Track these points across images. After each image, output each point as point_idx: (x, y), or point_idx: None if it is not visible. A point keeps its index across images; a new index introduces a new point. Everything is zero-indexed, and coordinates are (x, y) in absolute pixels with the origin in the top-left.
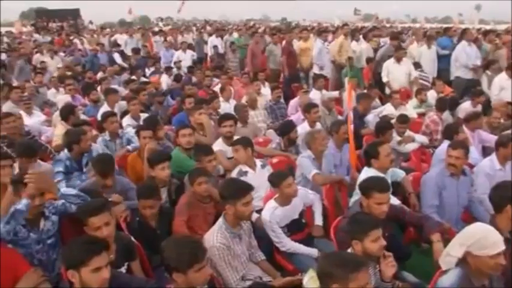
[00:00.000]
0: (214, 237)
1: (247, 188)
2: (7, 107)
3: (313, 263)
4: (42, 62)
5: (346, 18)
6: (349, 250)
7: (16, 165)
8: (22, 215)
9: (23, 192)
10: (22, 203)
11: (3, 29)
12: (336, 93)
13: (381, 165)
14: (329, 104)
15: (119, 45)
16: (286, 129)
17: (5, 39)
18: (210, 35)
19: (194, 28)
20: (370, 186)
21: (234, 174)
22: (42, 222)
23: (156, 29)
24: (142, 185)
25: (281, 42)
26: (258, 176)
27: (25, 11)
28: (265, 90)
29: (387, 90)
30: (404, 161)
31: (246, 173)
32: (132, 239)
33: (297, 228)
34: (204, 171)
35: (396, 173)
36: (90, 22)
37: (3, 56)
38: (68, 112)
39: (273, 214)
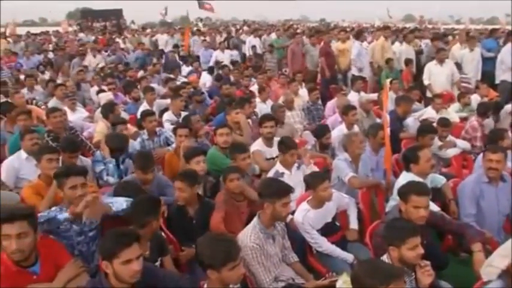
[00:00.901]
0: (248, 237)
1: (288, 189)
2: (53, 103)
3: (347, 267)
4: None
5: (387, 18)
6: (385, 256)
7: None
8: (56, 224)
9: (65, 186)
10: (63, 216)
11: (51, 29)
12: (374, 96)
13: (421, 170)
14: (367, 106)
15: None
16: (320, 133)
17: (53, 38)
18: (248, 35)
19: (233, 29)
20: (408, 190)
21: (270, 174)
22: (84, 216)
23: (195, 29)
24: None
25: (319, 43)
26: (293, 177)
27: (71, 11)
28: (303, 91)
29: (429, 93)
30: (445, 167)
31: (282, 174)
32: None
33: (330, 231)
34: (237, 168)
35: (436, 179)
36: (132, 22)
37: (51, 55)
38: (108, 110)
39: (305, 216)
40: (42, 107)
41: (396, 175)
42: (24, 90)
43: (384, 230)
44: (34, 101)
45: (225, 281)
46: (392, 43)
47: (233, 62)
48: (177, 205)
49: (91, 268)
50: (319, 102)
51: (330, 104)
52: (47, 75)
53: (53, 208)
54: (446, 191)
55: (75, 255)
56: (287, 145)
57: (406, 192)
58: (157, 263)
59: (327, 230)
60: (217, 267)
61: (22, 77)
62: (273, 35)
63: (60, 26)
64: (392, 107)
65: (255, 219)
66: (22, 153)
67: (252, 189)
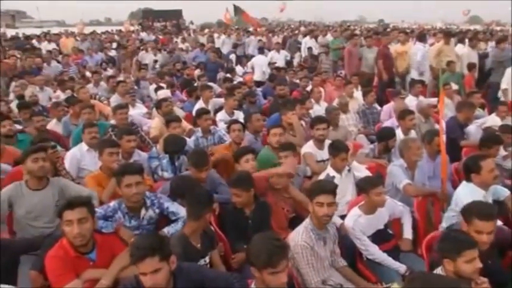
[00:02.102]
0: (300, 235)
1: (323, 189)
2: (115, 99)
3: (398, 277)
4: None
5: (449, 19)
6: (439, 269)
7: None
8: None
9: (122, 184)
10: (119, 215)
11: (115, 28)
12: (434, 100)
13: (483, 181)
14: (427, 111)
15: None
16: (385, 135)
17: (116, 37)
18: (304, 36)
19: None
20: (471, 212)
21: (321, 178)
22: (143, 211)
23: (251, 29)
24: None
25: (377, 45)
26: (344, 181)
27: (134, 11)
28: (358, 94)
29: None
30: (508, 178)
31: (333, 177)
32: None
33: (382, 239)
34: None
35: (499, 191)
36: (191, 22)
37: (113, 53)
38: (158, 106)
39: (356, 222)
40: (105, 102)
41: (456, 184)
42: (90, 86)
43: (440, 241)
44: (97, 96)
45: (266, 283)
46: (463, 44)
47: (288, 63)
48: (233, 205)
49: None
50: (376, 105)
51: (387, 107)
52: (109, 72)
53: (112, 203)
54: (509, 205)
55: None
56: (338, 148)
57: (469, 214)
58: (208, 257)
59: (378, 238)
60: (259, 268)
61: (87, 73)
62: (329, 36)
63: (123, 25)
64: (453, 113)
65: (308, 219)
66: (83, 145)
67: (298, 191)
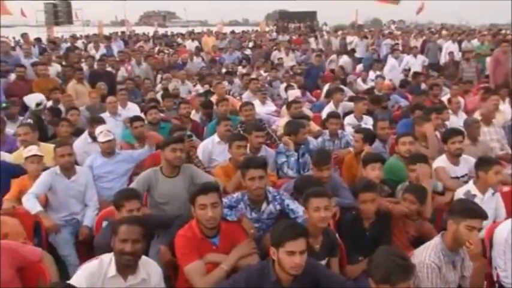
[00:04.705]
0: (427, 253)
1: (481, 214)
2: (246, 95)
3: None
4: (279, 58)
5: None
6: None
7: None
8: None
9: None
10: (241, 206)
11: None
12: None
13: None
14: None
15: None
16: None
17: (252, 36)
18: (446, 40)
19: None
20: None
21: (460, 193)
22: (264, 205)
23: (386, 31)
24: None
25: None
26: (485, 203)
27: (270, 13)
28: (505, 107)
29: None
30: None
31: (474, 196)
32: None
33: None
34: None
35: None
36: (325, 24)
37: (248, 51)
38: (289, 106)
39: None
40: (237, 98)
41: None
42: (225, 82)
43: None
44: (231, 92)
45: None
46: None
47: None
48: (352, 214)
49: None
50: None
51: None
52: (244, 70)
53: (236, 194)
54: None
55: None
56: (489, 162)
57: None
58: (324, 262)
59: None
60: (376, 282)
61: (223, 70)
62: (475, 41)
63: (259, 26)
64: None
65: (437, 237)
66: (215, 137)
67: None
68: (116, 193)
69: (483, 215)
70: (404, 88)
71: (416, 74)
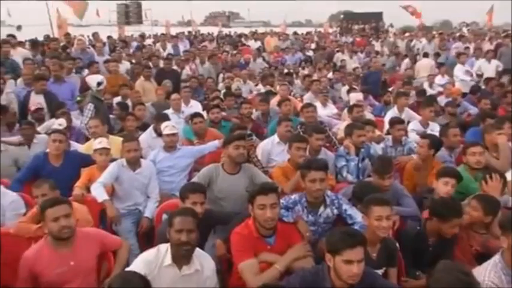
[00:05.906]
0: (487, 272)
1: None
2: (308, 97)
3: None
4: (342, 60)
5: None
6: None
7: None
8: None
9: (306, 178)
10: (298, 208)
11: (313, 29)
12: None
13: None
14: None
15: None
16: None
17: (315, 38)
18: None
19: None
20: None
21: None
22: (321, 209)
23: (457, 34)
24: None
25: None
26: None
27: (334, 14)
28: None
29: None
30: None
31: None
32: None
33: None
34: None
35: None
36: (391, 25)
37: (310, 53)
38: (351, 110)
39: None
40: (298, 99)
41: None
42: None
43: None
44: (292, 93)
45: None
46: None
47: (500, 74)
48: (418, 229)
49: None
50: None
51: None
52: (306, 71)
53: (293, 195)
54: None
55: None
56: None
57: None
58: (381, 271)
59: None
60: None
61: (285, 70)
62: None
63: (323, 27)
64: None
65: (497, 256)
66: (275, 138)
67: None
68: (182, 186)
69: None
70: (475, 95)
71: (489, 80)
